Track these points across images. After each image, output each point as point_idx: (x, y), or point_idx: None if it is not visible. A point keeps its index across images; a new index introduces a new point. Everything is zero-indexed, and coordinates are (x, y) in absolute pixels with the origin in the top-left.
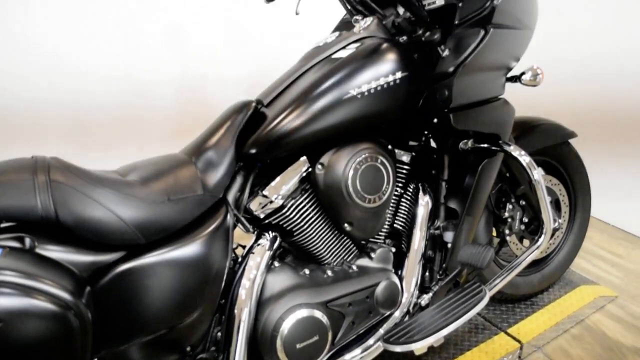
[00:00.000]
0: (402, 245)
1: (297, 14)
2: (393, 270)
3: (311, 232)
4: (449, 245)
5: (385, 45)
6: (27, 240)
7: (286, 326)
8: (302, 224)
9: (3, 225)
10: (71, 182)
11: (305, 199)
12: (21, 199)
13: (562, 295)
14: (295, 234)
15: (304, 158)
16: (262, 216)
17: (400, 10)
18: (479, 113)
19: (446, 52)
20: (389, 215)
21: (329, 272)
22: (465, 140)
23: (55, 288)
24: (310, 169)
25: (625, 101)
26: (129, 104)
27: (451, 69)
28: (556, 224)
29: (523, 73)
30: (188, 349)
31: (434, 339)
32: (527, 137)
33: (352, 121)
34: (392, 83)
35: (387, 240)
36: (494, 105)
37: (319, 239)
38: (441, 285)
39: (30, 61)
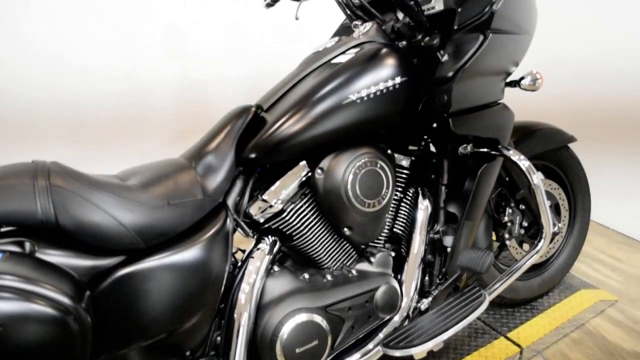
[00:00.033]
0: (402, 250)
1: (296, 18)
2: (392, 275)
3: (311, 236)
4: (449, 250)
5: (384, 50)
6: (27, 245)
7: (286, 330)
8: (302, 228)
9: (3, 229)
10: (71, 186)
11: (304, 203)
12: (21, 203)
13: (562, 300)
14: (294, 238)
15: (303, 163)
16: (261, 220)
17: (400, 15)
18: (478, 118)
19: (445, 57)
20: (388, 220)
21: (329, 277)
22: (465, 145)
23: (55, 292)
24: (309, 174)
25: (625, 102)
26: (129, 103)
27: (450, 74)
28: (556, 228)
29: (522, 78)
30: (188, 353)
31: (434, 344)
32: (526, 142)
33: (352, 126)
34: (391, 88)
35: (387, 245)
36: (493, 110)
37: (319, 243)
38: (441, 290)
39: (30, 61)
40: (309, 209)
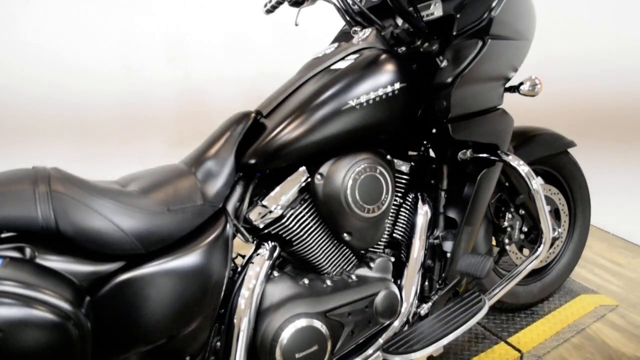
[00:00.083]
0: (402, 255)
1: (296, 25)
2: (392, 280)
3: (310, 241)
4: (448, 255)
5: (383, 56)
6: (28, 251)
7: (285, 336)
8: (302, 233)
9: (4, 235)
10: (71, 192)
11: (304, 209)
12: (22, 209)
13: (562, 304)
14: (294, 243)
15: (303, 168)
16: (261, 226)
17: (399, 21)
18: (478, 123)
19: (444, 63)
20: (388, 225)
21: (328, 282)
22: (464, 150)
23: (55, 298)
24: (309, 179)
25: (626, 102)
26: (129, 103)
27: (449, 80)
28: (555, 233)
29: (521, 83)
30: (187, 358)
31: (434, 349)
32: (526, 147)
33: (351, 132)
34: (390, 94)
35: (387, 250)
36: (493, 116)
37: (318, 248)
38: (440, 295)
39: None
40: (308, 214)
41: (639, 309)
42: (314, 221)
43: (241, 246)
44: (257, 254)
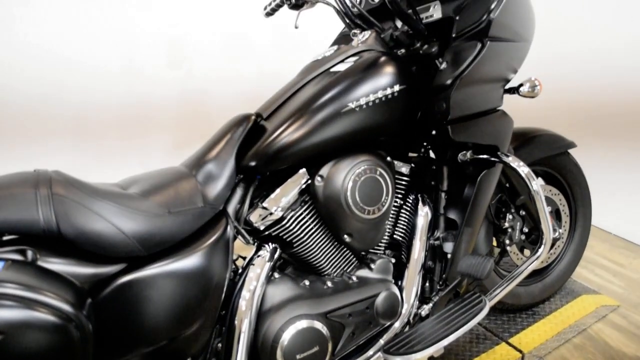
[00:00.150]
0: (402, 256)
1: (296, 27)
2: (393, 281)
3: (311, 243)
4: (449, 256)
5: (383, 58)
6: (29, 253)
7: (286, 337)
8: (302, 235)
9: (5, 238)
10: (73, 195)
11: (304, 210)
12: (23, 212)
13: (563, 305)
14: (295, 245)
15: (303, 170)
16: (262, 228)
17: (399, 23)
18: (477, 125)
19: (444, 65)
20: (388, 226)
21: (329, 283)
22: (464, 152)
23: (57, 300)
24: (309, 181)
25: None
26: (129, 103)
27: (449, 82)
28: (556, 233)
29: (521, 84)
30: None
31: (434, 349)
32: (526, 148)
33: (351, 134)
34: (390, 96)
35: (387, 251)
36: (492, 117)
37: (319, 250)
38: (441, 296)
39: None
40: (309, 216)
41: None
42: (314, 223)
43: (242, 248)
44: (258, 256)
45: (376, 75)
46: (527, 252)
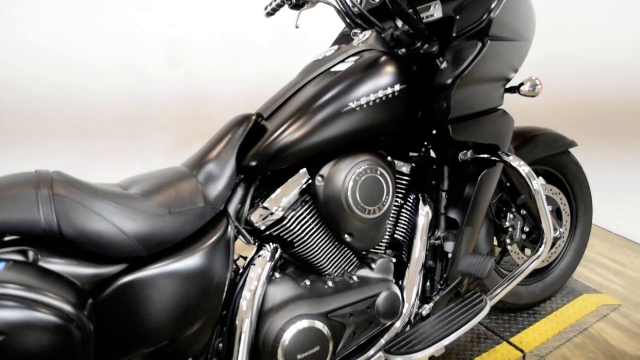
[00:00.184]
0: (403, 256)
1: (296, 27)
2: (394, 281)
3: (312, 243)
4: (450, 255)
5: (383, 58)
6: (30, 253)
7: (287, 337)
8: (303, 235)
9: (7, 238)
10: (73, 195)
11: (305, 210)
12: (24, 212)
13: (564, 304)
14: (295, 245)
15: (303, 170)
16: (262, 228)
17: (399, 23)
18: (478, 124)
19: (444, 64)
20: (389, 226)
21: (330, 283)
22: (465, 151)
23: (58, 300)
24: (310, 181)
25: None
26: (130, 102)
27: (449, 81)
28: (557, 233)
29: (522, 84)
30: None
31: (435, 349)
32: (527, 147)
33: (352, 133)
34: (390, 95)
35: (388, 251)
36: (493, 116)
37: (320, 249)
38: (442, 295)
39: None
40: (309, 216)
41: None
42: (315, 222)
43: (243, 248)
44: (259, 256)
45: (377, 75)
46: (527, 251)
